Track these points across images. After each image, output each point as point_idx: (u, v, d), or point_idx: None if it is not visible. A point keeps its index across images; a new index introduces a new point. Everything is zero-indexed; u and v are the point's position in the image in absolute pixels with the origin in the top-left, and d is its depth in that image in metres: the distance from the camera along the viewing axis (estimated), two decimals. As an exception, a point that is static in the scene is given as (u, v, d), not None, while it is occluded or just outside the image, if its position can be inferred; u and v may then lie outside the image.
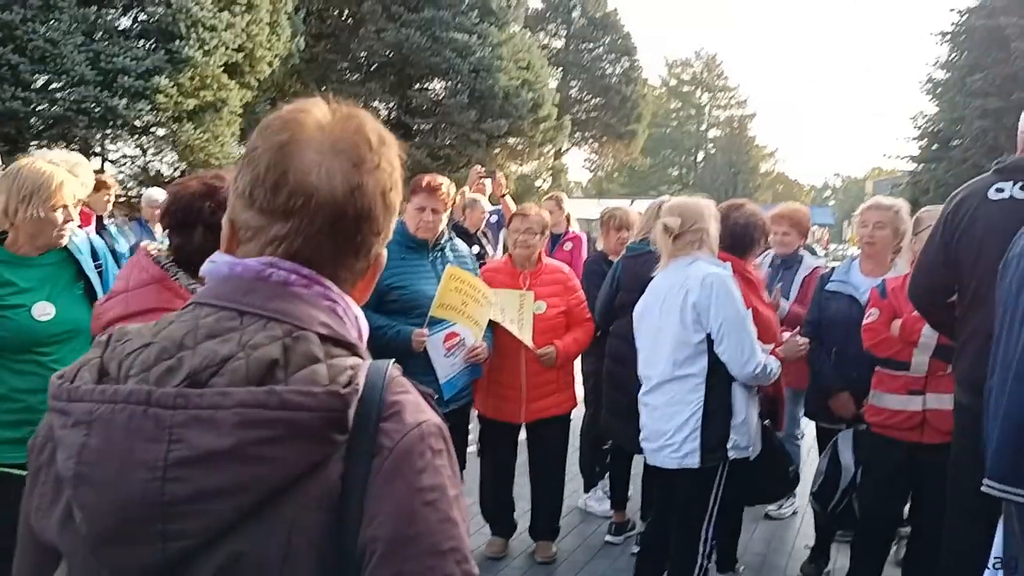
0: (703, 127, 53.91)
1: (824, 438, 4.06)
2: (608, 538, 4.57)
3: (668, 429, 3.17)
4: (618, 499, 4.62)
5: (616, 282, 4.17)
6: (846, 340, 3.69)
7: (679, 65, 53.80)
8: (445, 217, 3.85)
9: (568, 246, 6.59)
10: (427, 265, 3.83)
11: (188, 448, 0.86)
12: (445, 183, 3.82)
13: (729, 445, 3.11)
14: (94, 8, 9.22)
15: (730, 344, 3.06)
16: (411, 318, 3.69)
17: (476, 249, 6.68)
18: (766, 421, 3.30)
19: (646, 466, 4.25)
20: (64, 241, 2.63)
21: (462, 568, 0.91)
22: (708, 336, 3.11)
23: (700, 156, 53.68)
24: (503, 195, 7.58)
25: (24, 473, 1.03)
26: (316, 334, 0.94)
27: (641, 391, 3.35)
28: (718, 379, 3.11)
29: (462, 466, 4.12)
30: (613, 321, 4.23)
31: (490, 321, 3.94)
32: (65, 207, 2.55)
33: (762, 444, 3.28)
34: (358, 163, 0.99)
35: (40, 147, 9.66)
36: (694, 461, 3.12)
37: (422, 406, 0.97)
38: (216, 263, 1.00)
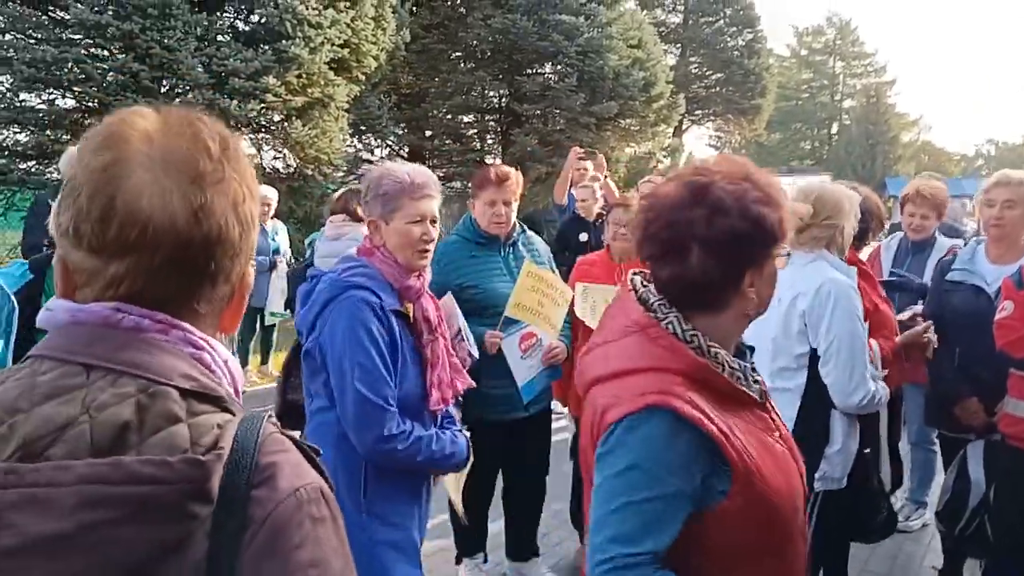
0: (837, 97, 51.13)
1: (949, 449, 3.59)
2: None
3: None
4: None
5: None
6: (973, 337, 3.21)
7: (809, 33, 51.17)
8: (515, 208, 3.64)
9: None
10: (499, 261, 3.63)
11: (19, 535, 0.74)
12: (513, 172, 3.61)
13: (818, 475, 2.67)
14: (205, 14, 9.49)
15: (837, 367, 2.62)
16: (485, 318, 3.50)
17: (585, 238, 6.44)
18: (866, 450, 2.83)
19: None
20: None
21: None
22: (813, 351, 2.69)
23: (834, 128, 50.96)
24: (605, 177, 7.28)
25: None
26: (177, 388, 0.84)
27: None
28: (816, 400, 2.67)
29: (545, 470, 3.91)
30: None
31: (570, 318, 3.71)
32: None
33: (856, 476, 2.79)
34: (197, 178, 0.86)
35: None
36: None
37: (302, 467, 0.86)
38: (53, 310, 0.88)
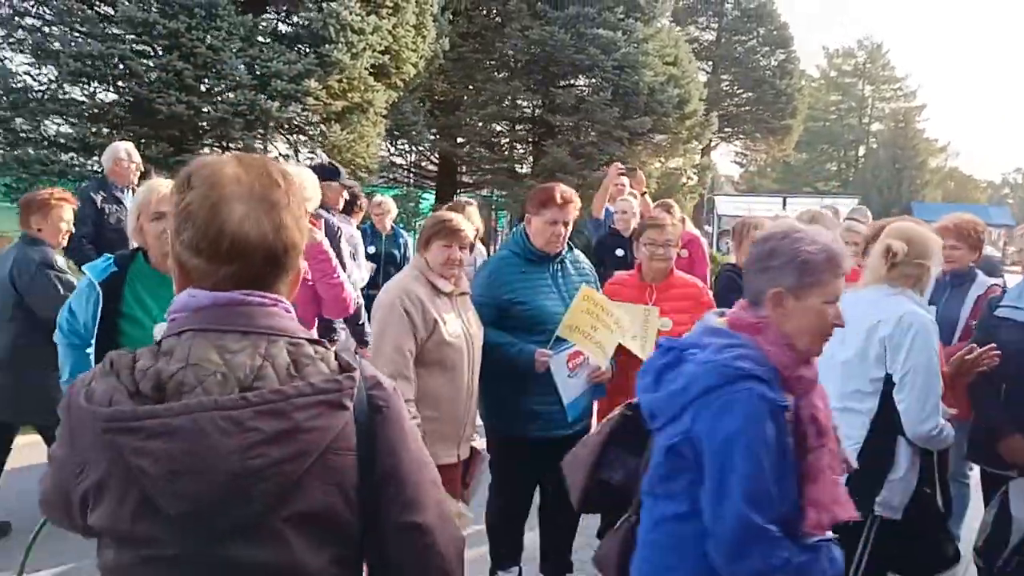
0: (865, 120, 50.83)
1: (990, 484, 3.58)
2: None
3: None
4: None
5: (755, 301, 3.83)
6: (1019, 373, 3.22)
7: (840, 55, 50.96)
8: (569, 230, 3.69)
9: (683, 252, 6.26)
10: (547, 279, 3.67)
11: (261, 434, 1.17)
12: (575, 195, 3.65)
13: (878, 500, 2.73)
14: (251, 15, 9.61)
15: (912, 395, 2.70)
16: (533, 335, 3.54)
17: (621, 253, 6.47)
18: (926, 489, 2.85)
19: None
20: None
21: (434, 471, 1.37)
22: (887, 377, 2.76)
23: (861, 151, 50.65)
24: (643, 193, 7.31)
25: None
26: (302, 339, 1.29)
27: None
28: (886, 424, 2.74)
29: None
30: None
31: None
32: (162, 214, 2.46)
33: (912, 509, 2.83)
34: (274, 205, 1.26)
35: (201, 148, 10.23)
36: None
37: (381, 374, 1.36)
38: (196, 296, 1.26)
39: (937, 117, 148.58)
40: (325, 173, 5.20)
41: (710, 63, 30.28)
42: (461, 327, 3.34)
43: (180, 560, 1.18)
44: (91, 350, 2.48)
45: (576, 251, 3.87)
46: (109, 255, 2.54)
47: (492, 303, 3.58)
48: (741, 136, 31.95)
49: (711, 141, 24.96)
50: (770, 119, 29.11)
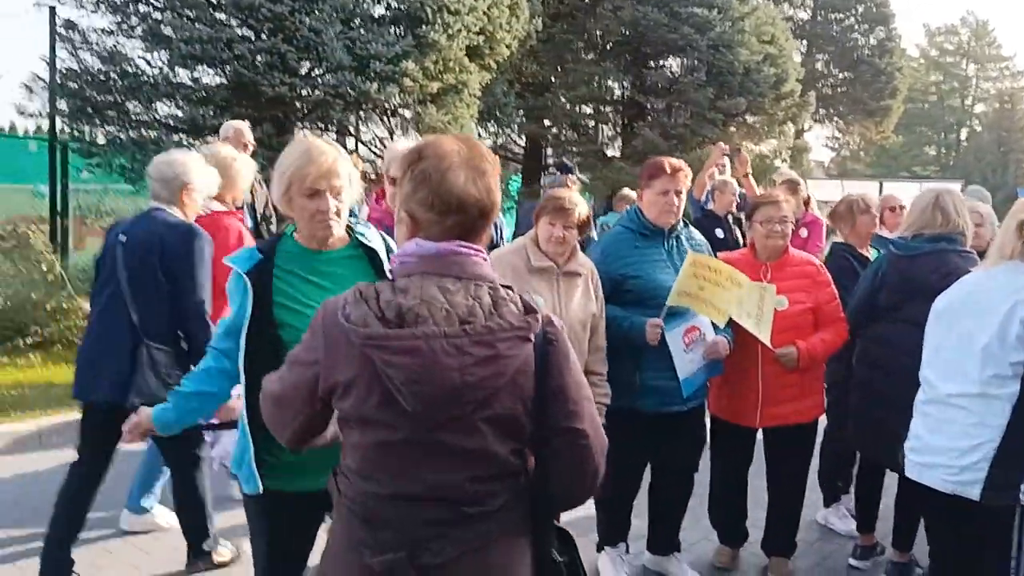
0: (968, 101, 48.49)
1: None
2: (853, 562, 4.16)
3: (952, 447, 2.71)
4: (866, 520, 4.17)
5: (880, 281, 3.71)
6: None
7: (942, 33, 48.66)
8: (684, 200, 3.64)
9: (804, 232, 6.09)
10: (663, 253, 3.64)
11: (474, 357, 1.60)
12: (684, 164, 3.62)
13: None
14: (351, -3, 9.76)
15: None
16: (648, 310, 3.52)
17: (721, 234, 6.37)
18: None
19: (903, 488, 3.81)
20: (332, 233, 2.31)
21: (589, 391, 1.77)
22: None
23: (963, 134, 48.37)
24: (745, 175, 7.17)
25: None
26: (499, 286, 1.70)
27: (922, 397, 2.90)
28: None
29: (694, 466, 3.90)
30: (867, 324, 3.79)
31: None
32: (319, 192, 2.25)
33: None
34: (484, 172, 1.68)
35: (302, 130, 10.48)
36: (973, 492, 2.65)
37: (553, 315, 1.77)
38: (423, 245, 1.67)
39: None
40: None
41: (804, 42, 29.29)
42: (550, 304, 3.30)
43: (407, 441, 1.60)
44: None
45: (692, 227, 3.82)
46: (252, 247, 2.39)
47: (605, 279, 3.57)
48: (836, 118, 30.82)
49: (805, 124, 24.16)
50: (868, 100, 27.94)
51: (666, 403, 3.57)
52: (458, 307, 1.60)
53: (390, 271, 1.77)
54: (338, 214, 2.29)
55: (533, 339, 1.64)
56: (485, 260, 1.70)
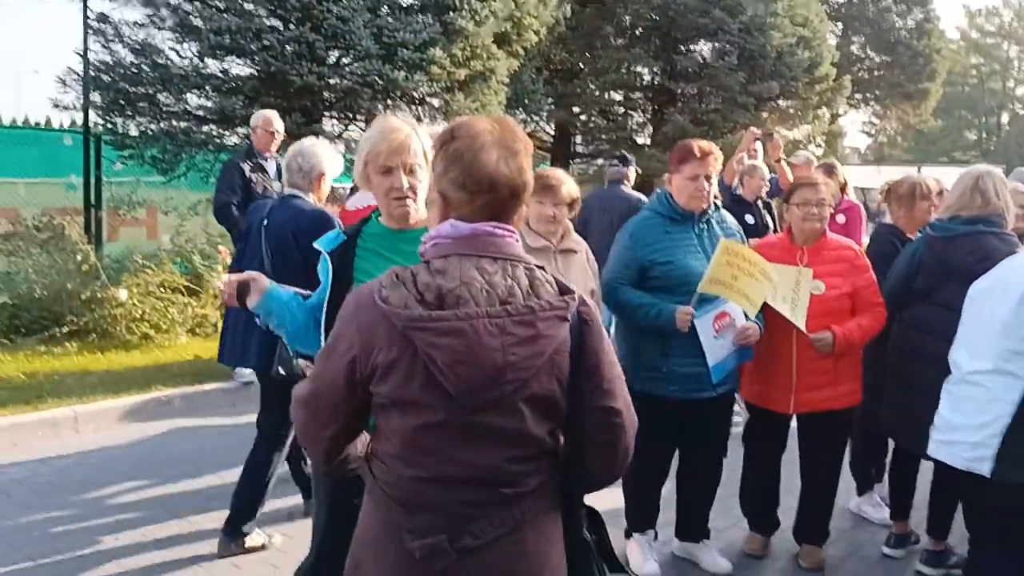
0: (1010, 84, 47.33)
1: None
2: (886, 550, 4.08)
3: (967, 424, 2.72)
4: (900, 508, 4.09)
5: (916, 263, 3.61)
6: None
7: (982, 15, 47.49)
8: (715, 184, 3.57)
9: (841, 219, 5.96)
10: (693, 238, 3.57)
11: (516, 337, 1.58)
12: (715, 147, 3.54)
13: None
14: (378, -15, 9.73)
15: None
16: (676, 296, 3.46)
17: (751, 219, 6.26)
18: None
19: (938, 475, 3.73)
20: (408, 211, 2.31)
21: (620, 370, 1.76)
22: None
23: (1004, 118, 47.25)
24: (778, 160, 7.04)
25: None
26: (534, 266, 1.68)
27: (951, 380, 2.88)
28: None
29: (723, 452, 3.85)
30: (904, 308, 3.70)
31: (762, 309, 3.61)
32: (390, 169, 2.27)
33: None
34: (516, 152, 1.66)
35: (331, 119, 10.49)
36: (984, 468, 2.65)
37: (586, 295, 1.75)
38: (457, 226, 1.65)
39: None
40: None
41: (840, 25, 28.72)
42: None
43: (448, 423, 1.59)
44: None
45: (723, 211, 3.75)
46: (340, 230, 2.46)
47: (634, 264, 3.53)
48: (872, 102, 30.19)
49: (840, 108, 23.70)
50: (905, 83, 27.31)
51: (695, 390, 3.51)
52: (497, 287, 1.59)
53: (422, 253, 1.70)
54: (413, 191, 2.29)
55: (570, 319, 1.64)
56: (518, 241, 1.69)
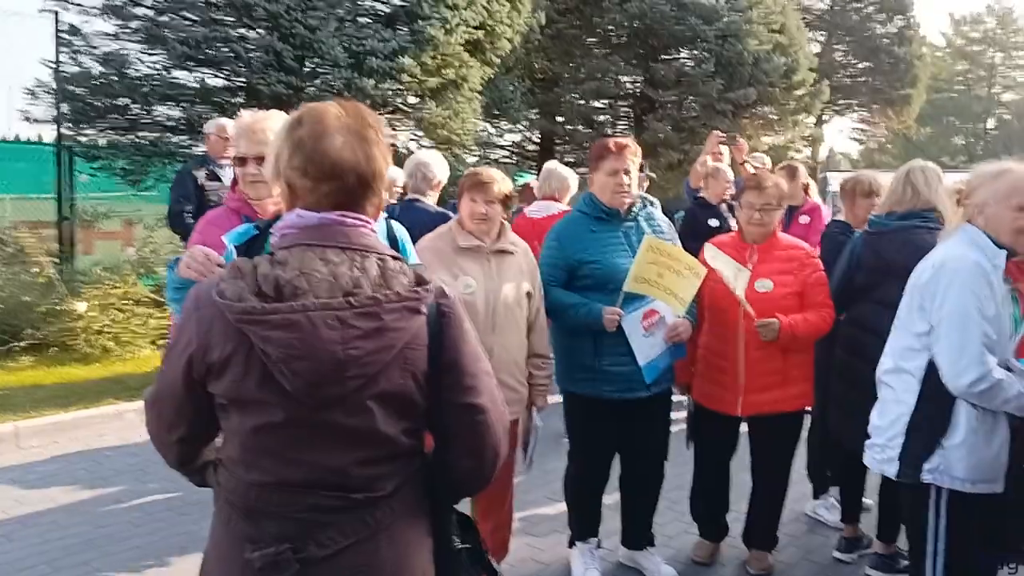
0: (995, 90, 47.51)
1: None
2: (837, 554, 3.99)
3: (879, 425, 2.68)
4: (850, 510, 4.00)
5: (855, 261, 3.54)
6: None
7: (967, 22, 47.74)
8: (636, 180, 3.50)
9: (804, 219, 5.89)
10: (620, 236, 3.49)
11: (358, 331, 1.48)
12: (631, 141, 3.48)
13: (928, 467, 2.49)
14: (348, -6, 9.68)
15: (947, 345, 2.43)
16: (606, 294, 3.38)
17: (715, 222, 6.19)
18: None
19: (885, 477, 3.64)
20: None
21: (487, 364, 1.67)
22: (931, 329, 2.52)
23: (990, 123, 47.41)
24: (743, 163, 6.99)
25: None
26: (387, 256, 1.58)
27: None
28: (937, 386, 2.48)
29: (664, 455, 3.74)
30: (848, 306, 3.62)
31: (695, 303, 3.54)
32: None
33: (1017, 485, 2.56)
34: (366, 139, 1.57)
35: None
36: (891, 470, 2.61)
37: (446, 285, 1.67)
38: (303, 216, 1.56)
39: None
40: None
41: (823, 33, 28.82)
42: (483, 283, 3.20)
43: (289, 424, 1.49)
44: None
45: (653, 209, 3.67)
46: (253, 224, 2.41)
47: (562, 264, 3.45)
48: (857, 108, 30.27)
49: (823, 113, 23.69)
50: (887, 89, 27.41)
51: (629, 389, 3.43)
52: (342, 278, 1.49)
53: (272, 244, 1.62)
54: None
55: (424, 311, 1.54)
56: (373, 231, 1.59)
